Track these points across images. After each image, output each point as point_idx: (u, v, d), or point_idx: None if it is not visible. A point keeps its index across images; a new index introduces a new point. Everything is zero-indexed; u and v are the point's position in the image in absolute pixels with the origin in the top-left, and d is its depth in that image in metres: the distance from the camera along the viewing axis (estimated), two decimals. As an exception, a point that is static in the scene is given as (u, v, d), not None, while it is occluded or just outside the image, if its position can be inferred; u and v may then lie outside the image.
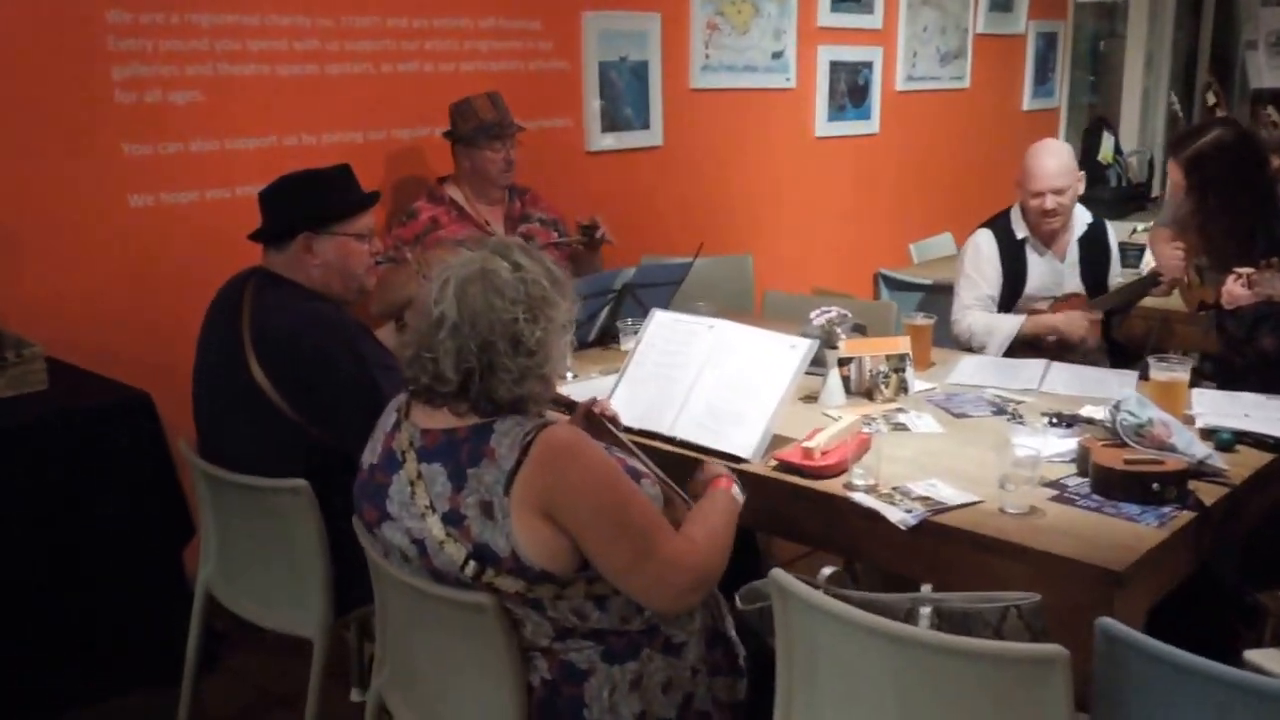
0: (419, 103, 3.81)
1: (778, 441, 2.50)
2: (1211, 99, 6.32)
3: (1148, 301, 3.60)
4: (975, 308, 3.48)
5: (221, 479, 2.41)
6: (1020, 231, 3.51)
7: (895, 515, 2.16)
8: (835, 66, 5.38)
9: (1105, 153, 6.57)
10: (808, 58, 5.25)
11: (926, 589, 1.81)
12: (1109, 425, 2.43)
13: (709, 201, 4.96)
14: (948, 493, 2.26)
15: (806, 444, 2.41)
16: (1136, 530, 2.07)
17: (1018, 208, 3.56)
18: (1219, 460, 2.33)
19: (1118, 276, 3.66)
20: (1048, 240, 3.51)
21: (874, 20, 5.54)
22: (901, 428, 2.68)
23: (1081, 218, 3.51)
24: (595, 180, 4.42)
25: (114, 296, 3.26)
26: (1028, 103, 6.72)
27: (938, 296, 4.17)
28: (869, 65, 5.58)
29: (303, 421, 2.34)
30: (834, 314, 2.92)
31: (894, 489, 2.29)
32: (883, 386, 2.87)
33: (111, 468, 2.77)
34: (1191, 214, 3.08)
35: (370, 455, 1.96)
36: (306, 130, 3.56)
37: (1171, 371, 2.66)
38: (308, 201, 2.44)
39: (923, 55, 5.88)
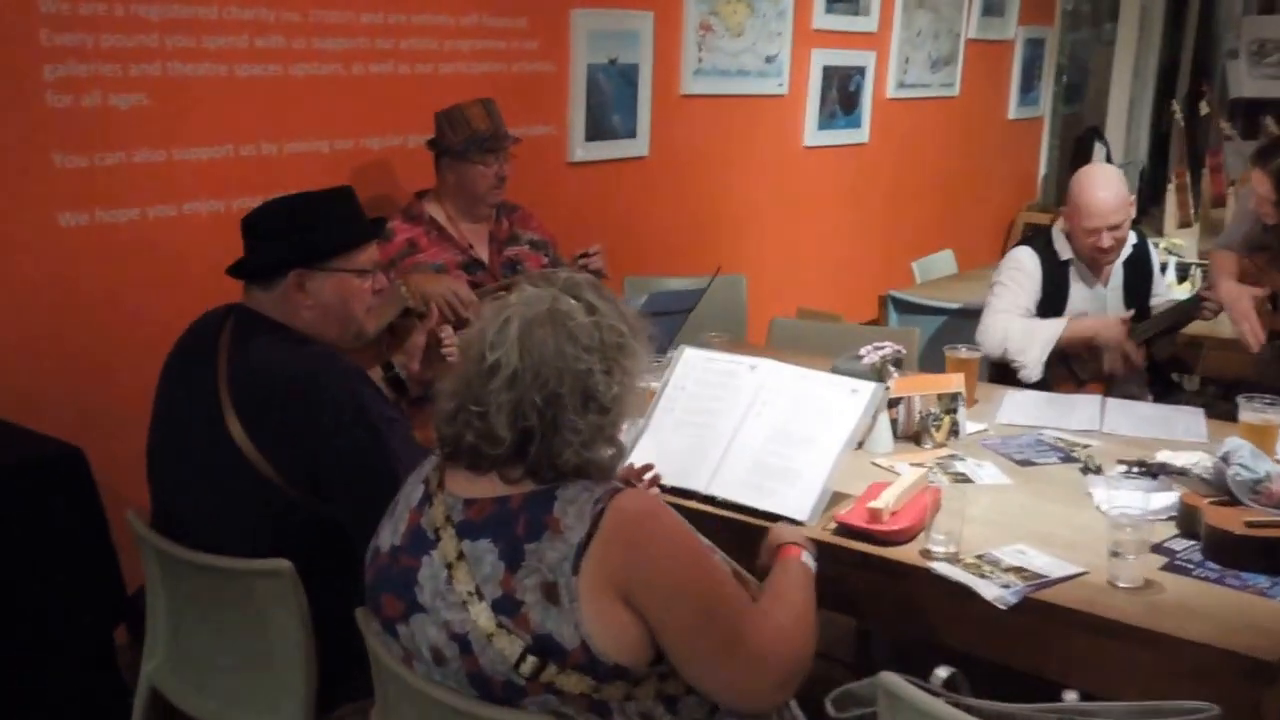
0: (393, 108, 3.51)
1: (832, 500, 2.25)
2: (1205, 109, 6.20)
3: (1198, 327, 3.40)
4: (1011, 313, 3.25)
5: (182, 559, 2.08)
6: (1065, 253, 3.29)
7: (991, 592, 1.92)
8: (828, 72, 5.17)
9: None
10: (801, 62, 5.04)
11: (1071, 697, 1.55)
12: (1209, 478, 2.21)
13: (695, 217, 4.72)
14: (1043, 562, 2.02)
15: (873, 504, 2.15)
16: (1273, 608, 1.84)
17: (1059, 227, 3.34)
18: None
19: (1160, 297, 3.45)
20: (1093, 265, 3.29)
21: (869, 23, 5.35)
22: (963, 479, 2.44)
23: (1128, 237, 3.30)
24: (575, 194, 4.15)
25: (39, 333, 2.89)
26: (1013, 111, 6.59)
27: (958, 322, 3.95)
28: (861, 71, 5.38)
29: (291, 488, 2.02)
30: (888, 350, 2.68)
31: (978, 557, 2.04)
32: (933, 430, 2.63)
33: (35, 536, 2.41)
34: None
35: (390, 535, 1.67)
36: (267, 138, 3.24)
37: (1264, 414, 2.46)
38: (303, 232, 2.13)
39: (915, 60, 5.71)
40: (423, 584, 1.59)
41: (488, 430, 1.55)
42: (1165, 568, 1.99)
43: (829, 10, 5.12)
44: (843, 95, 5.33)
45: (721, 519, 2.27)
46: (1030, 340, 3.21)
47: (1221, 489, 2.15)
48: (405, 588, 1.61)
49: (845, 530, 2.16)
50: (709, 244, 4.80)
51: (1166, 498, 2.22)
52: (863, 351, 2.70)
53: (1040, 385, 3.22)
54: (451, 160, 3.20)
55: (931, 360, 3.37)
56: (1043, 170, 6.98)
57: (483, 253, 3.28)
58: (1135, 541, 1.94)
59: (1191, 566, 2.00)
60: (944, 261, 5.04)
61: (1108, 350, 3.21)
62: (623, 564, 1.51)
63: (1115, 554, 1.95)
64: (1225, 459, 2.17)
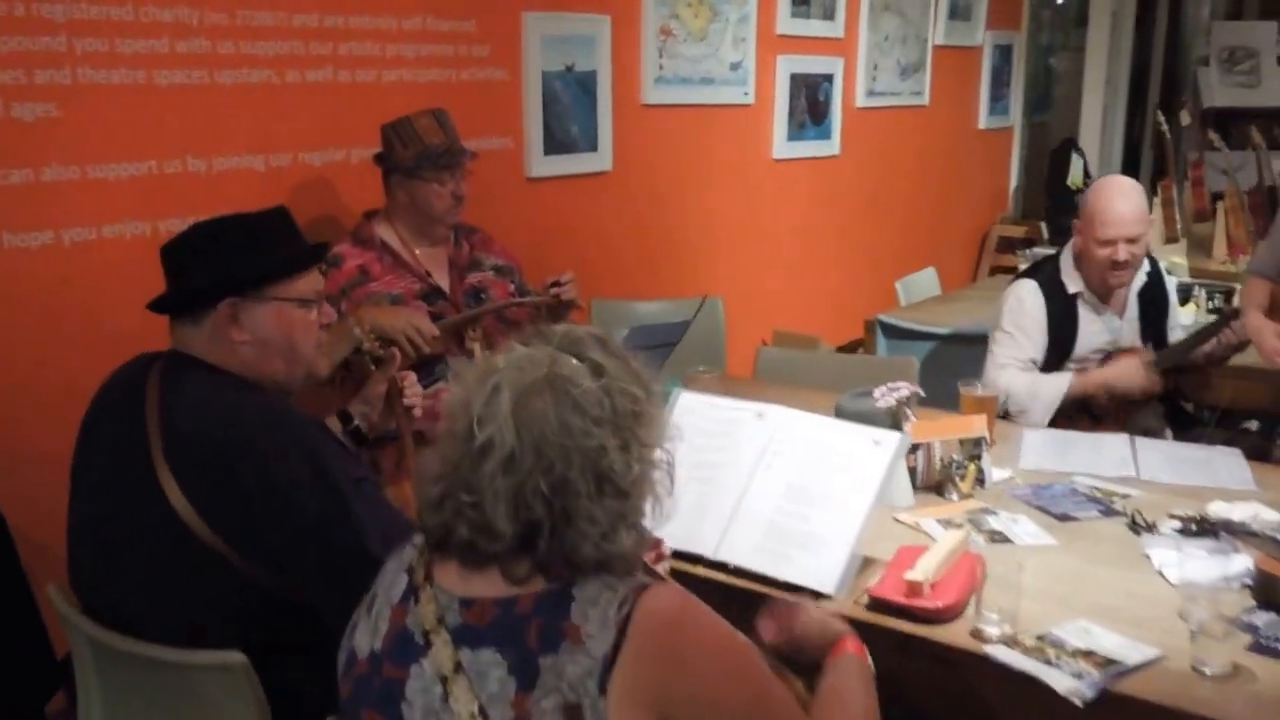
0: (334, 119, 3.24)
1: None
2: (1185, 119, 6.12)
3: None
4: (1013, 367, 3.06)
5: (114, 648, 1.80)
6: (1073, 285, 3.10)
7: (1063, 684, 1.70)
8: (796, 79, 4.98)
9: (1075, 176, 6.33)
10: (767, 69, 4.84)
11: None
12: (1284, 539, 2.02)
13: (663, 235, 4.49)
14: (1112, 643, 1.81)
15: (910, 575, 1.93)
16: (1386, 698, 1.65)
17: (1069, 255, 3.15)
18: None
19: (1177, 329, 3.28)
20: (1105, 295, 3.10)
21: (835, 28, 5.18)
22: (1000, 538, 2.23)
23: (1143, 264, 3.12)
24: (536, 212, 3.90)
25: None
26: (983, 121, 6.47)
27: (950, 348, 3.76)
28: (829, 78, 5.20)
29: (242, 562, 1.75)
30: (904, 391, 2.46)
31: (1039, 639, 1.83)
32: (957, 479, 2.42)
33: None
34: None
35: (369, 637, 1.41)
36: (193, 153, 2.95)
37: (1323, 460, 2.28)
38: (233, 256, 1.87)
39: (884, 67, 5.55)
40: (411, 700, 1.35)
41: (484, 523, 1.32)
42: (1251, 648, 1.79)
43: (794, 14, 4.93)
44: (811, 104, 5.14)
45: (733, 588, 2.04)
46: (1033, 400, 3.02)
47: (1305, 552, 1.97)
48: (390, 703, 1.36)
49: (880, 606, 1.94)
50: (678, 264, 4.58)
51: (1236, 561, 2.03)
52: (877, 393, 2.48)
53: (1054, 419, 3.04)
54: (402, 178, 2.93)
55: (929, 391, 3.18)
56: (1014, 182, 6.86)
57: (442, 280, 3.00)
58: (1220, 621, 1.74)
59: (1280, 646, 1.80)
60: (927, 280, 4.87)
61: (1128, 391, 3.03)
62: (658, 679, 1.29)
63: (1198, 635, 1.74)
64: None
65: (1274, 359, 2.89)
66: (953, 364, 3.62)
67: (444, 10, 3.51)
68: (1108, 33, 6.78)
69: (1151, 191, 5.97)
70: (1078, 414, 3.07)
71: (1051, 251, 5.13)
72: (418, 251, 2.99)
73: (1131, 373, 3.05)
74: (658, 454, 1.39)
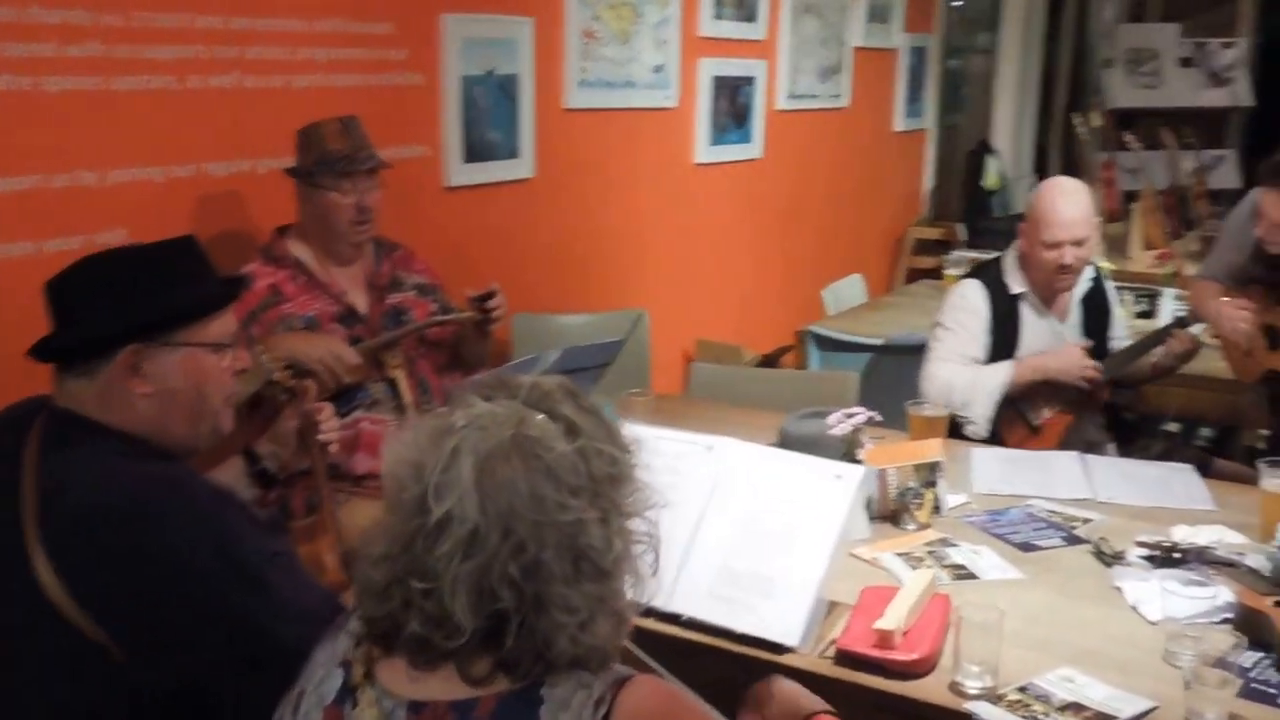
0: (240, 127, 2.97)
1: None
2: (1096, 120, 6.09)
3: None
4: (953, 362, 2.93)
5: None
6: (1016, 286, 2.98)
7: (1056, 746, 1.54)
8: (718, 82, 4.81)
9: (991, 178, 6.26)
10: (689, 72, 4.66)
11: None
12: (1262, 570, 1.90)
13: (587, 244, 4.28)
14: (1100, 694, 1.67)
15: (881, 624, 1.76)
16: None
17: (1012, 257, 3.03)
18: None
19: (1121, 339, 3.17)
20: (1048, 298, 2.98)
21: (757, 30, 5.01)
22: (963, 573, 2.08)
23: (1085, 271, 3.01)
24: (455, 222, 3.66)
25: None
26: (900, 123, 6.37)
27: (884, 359, 3.62)
28: (751, 81, 5.04)
29: (130, 658, 1.50)
30: (861, 417, 2.30)
31: (1022, 691, 1.68)
32: (914, 509, 2.26)
33: None
34: None
35: None
36: (85, 165, 2.67)
37: (1290, 480, 2.17)
38: (136, 296, 1.61)
39: (804, 70, 5.40)
40: None
41: (441, 615, 1.10)
42: (1242, 693, 1.66)
43: (717, 16, 4.75)
44: (733, 107, 4.97)
45: (687, 643, 1.85)
46: (976, 391, 2.89)
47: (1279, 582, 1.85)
48: None
49: (850, 660, 1.77)
50: (603, 274, 4.38)
51: (1214, 594, 1.89)
52: (832, 419, 2.32)
53: (991, 436, 2.91)
54: (304, 187, 2.69)
55: (866, 405, 3.04)
56: (928, 184, 6.78)
57: (359, 301, 2.75)
58: (1213, 669, 1.60)
59: (1274, 691, 1.68)
60: (854, 287, 4.74)
61: (1066, 379, 2.90)
62: None
63: (1193, 684, 1.60)
64: (1287, 547, 1.86)
65: (1234, 332, 2.75)
66: (887, 376, 3.49)
67: (359, 12, 3.25)
68: (1020, 36, 6.73)
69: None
70: (1015, 421, 2.94)
71: (973, 254, 5.12)
72: (333, 270, 2.74)
73: (1071, 359, 2.92)
74: (639, 524, 1.20)
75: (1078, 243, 2.86)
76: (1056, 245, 2.86)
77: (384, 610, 1.14)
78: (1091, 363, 2.91)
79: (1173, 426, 3.99)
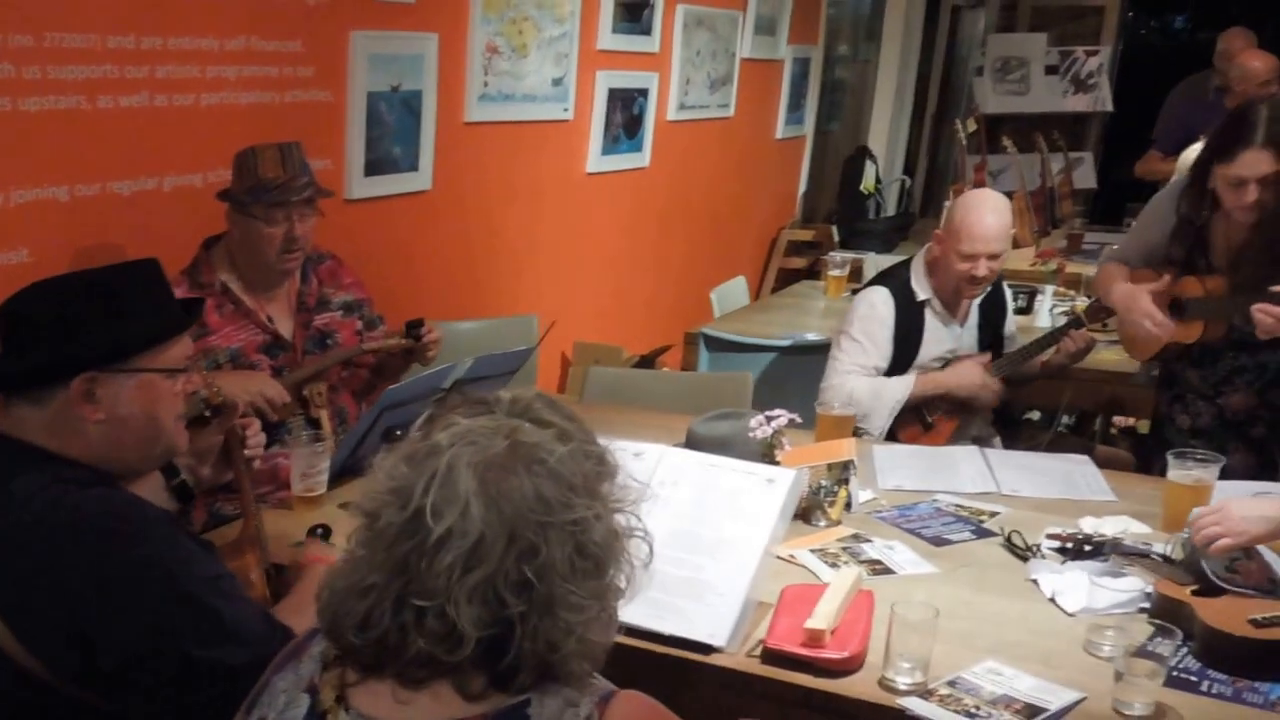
0: (147, 146, 2.88)
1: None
2: (972, 125, 6.26)
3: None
4: (857, 373, 2.98)
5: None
6: (922, 293, 3.04)
7: (987, 734, 1.59)
8: (613, 94, 4.82)
9: (868, 182, 6.39)
10: (586, 84, 4.66)
11: None
12: (1174, 558, 1.98)
13: (480, 253, 4.27)
14: (1027, 685, 1.72)
15: (811, 623, 1.78)
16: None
17: (920, 263, 3.08)
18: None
19: (1011, 332, 3.27)
20: (952, 304, 3.06)
21: (651, 43, 5.04)
22: (880, 568, 2.12)
23: (989, 278, 3.08)
24: (355, 234, 3.58)
25: None
26: (781, 131, 6.46)
27: (775, 359, 3.67)
28: (645, 93, 5.07)
29: (71, 689, 1.45)
30: (783, 419, 2.33)
31: (951, 685, 1.72)
32: (826, 506, 2.30)
33: None
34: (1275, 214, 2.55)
35: None
36: (-15, 187, 2.56)
37: (1200, 471, 2.24)
38: (93, 324, 1.56)
39: (695, 81, 5.46)
40: None
41: (446, 630, 1.08)
42: (1167, 683, 1.70)
43: (615, 30, 4.76)
44: (626, 119, 5.00)
45: (621, 648, 1.85)
46: (877, 403, 2.96)
47: (1192, 571, 1.92)
48: None
49: (778, 658, 1.78)
50: (499, 281, 4.36)
51: (1127, 585, 1.96)
52: (753, 423, 2.34)
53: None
54: (235, 213, 2.59)
55: (760, 405, 3.08)
56: (802, 188, 6.89)
57: (284, 327, 2.66)
58: (1142, 660, 1.66)
59: (1195, 679, 1.74)
60: (738, 289, 4.79)
61: (965, 395, 3.00)
62: None
63: (1124, 675, 1.64)
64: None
65: (1152, 330, 2.76)
66: (777, 375, 3.54)
67: (269, 30, 3.17)
68: (899, 46, 6.89)
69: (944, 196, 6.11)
70: (910, 419, 3.01)
71: (851, 255, 5.20)
72: (257, 297, 2.64)
73: (971, 377, 3.02)
74: (629, 518, 1.20)
75: (993, 256, 2.92)
76: (973, 257, 2.91)
77: (369, 637, 1.11)
78: (993, 382, 3.00)
79: (1034, 416, 4.12)
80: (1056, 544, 2.15)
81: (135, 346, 1.58)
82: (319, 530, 2.07)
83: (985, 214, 2.92)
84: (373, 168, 3.66)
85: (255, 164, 2.55)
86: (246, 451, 2.08)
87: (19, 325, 1.56)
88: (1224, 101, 5.18)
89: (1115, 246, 3.29)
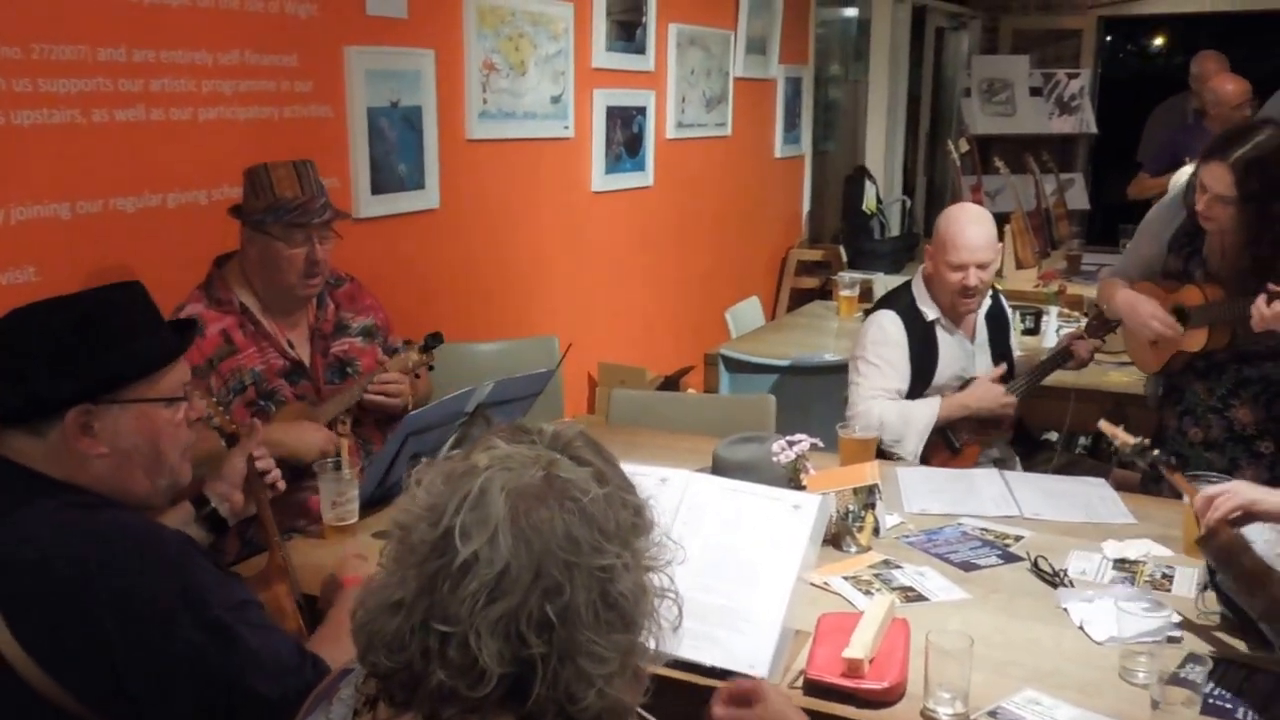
0: (148, 161, 2.80)
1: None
2: (964, 146, 6.24)
3: (1060, 379, 3.20)
4: (881, 398, 2.93)
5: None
6: (930, 312, 3.00)
7: (1038, 771, 1.52)
8: (611, 112, 4.77)
9: (869, 202, 6.36)
10: (584, 102, 4.61)
11: None
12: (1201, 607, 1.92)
13: (493, 273, 4.19)
14: (1068, 715, 1.66)
15: (849, 653, 1.72)
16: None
17: (920, 282, 3.04)
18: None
19: (1017, 350, 3.23)
20: (957, 320, 3.02)
21: (646, 62, 4.99)
22: (913, 595, 2.06)
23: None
24: (366, 254, 3.50)
25: None
26: (779, 150, 6.43)
27: (791, 379, 3.61)
28: (643, 111, 5.02)
29: (92, 714, 1.37)
30: (804, 444, 2.26)
31: (992, 715, 1.66)
32: (855, 532, 2.24)
33: None
34: (1242, 227, 2.57)
35: None
36: (-15, 204, 2.48)
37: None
38: (82, 353, 1.48)
39: (691, 100, 5.41)
40: None
41: (466, 662, 1.01)
42: (1209, 712, 1.66)
43: (610, 48, 4.71)
44: (627, 137, 4.94)
45: (655, 679, 1.78)
46: (907, 428, 2.91)
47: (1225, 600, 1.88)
48: None
49: (819, 689, 1.72)
50: (511, 302, 4.28)
51: (1155, 613, 1.90)
52: (775, 448, 2.28)
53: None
54: (252, 232, 2.48)
55: (781, 426, 3.03)
56: (806, 208, 6.86)
57: (303, 352, 2.55)
58: (1179, 688, 1.61)
59: (1230, 705, 1.69)
60: (753, 309, 4.74)
61: (986, 412, 2.96)
62: None
63: (1160, 704, 1.60)
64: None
65: (1162, 331, 2.77)
66: (794, 395, 3.48)
67: (263, 44, 3.10)
68: (886, 66, 6.87)
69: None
70: (939, 444, 2.97)
71: (860, 274, 5.19)
72: (276, 320, 2.53)
73: (991, 394, 2.97)
74: (661, 578, 1.13)
75: (982, 265, 2.90)
76: (962, 267, 2.89)
77: (399, 660, 1.04)
78: (1010, 398, 2.97)
79: (1052, 436, 4.11)
80: (1083, 570, 2.09)
81: (128, 376, 1.50)
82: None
83: (967, 224, 2.91)
84: (380, 186, 3.59)
85: (270, 181, 2.44)
86: (267, 477, 2.01)
87: (4, 355, 1.48)
88: (1204, 124, 5.22)
89: (1119, 259, 3.27)
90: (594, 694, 1.04)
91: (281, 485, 2.06)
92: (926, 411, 2.92)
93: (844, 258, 6.18)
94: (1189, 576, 2.07)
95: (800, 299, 6.02)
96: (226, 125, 3.01)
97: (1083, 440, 4.25)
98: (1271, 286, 2.40)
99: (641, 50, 4.97)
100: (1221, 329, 2.70)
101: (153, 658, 1.37)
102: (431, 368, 2.69)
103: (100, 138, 2.68)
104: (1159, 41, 12.95)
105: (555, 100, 4.42)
